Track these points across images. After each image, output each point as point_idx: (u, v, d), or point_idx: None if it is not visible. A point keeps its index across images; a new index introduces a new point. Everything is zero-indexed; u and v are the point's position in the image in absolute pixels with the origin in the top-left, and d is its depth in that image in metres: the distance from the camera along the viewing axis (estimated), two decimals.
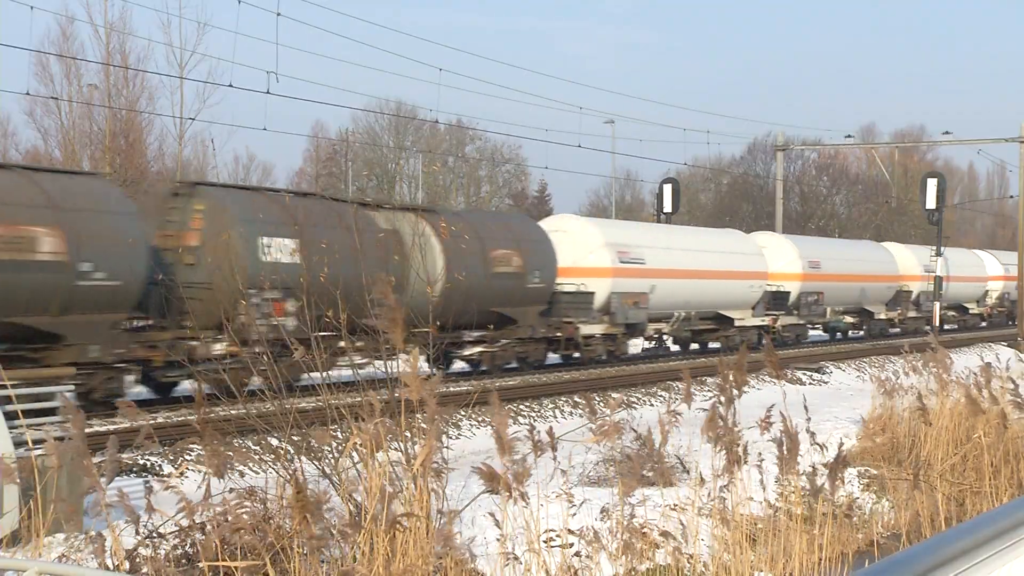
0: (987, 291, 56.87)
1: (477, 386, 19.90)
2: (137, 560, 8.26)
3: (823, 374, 31.05)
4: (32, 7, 28.32)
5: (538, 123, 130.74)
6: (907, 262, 49.72)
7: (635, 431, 11.74)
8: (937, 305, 47.92)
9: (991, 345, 42.37)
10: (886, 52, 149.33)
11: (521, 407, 21.83)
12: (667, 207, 43.69)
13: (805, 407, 11.42)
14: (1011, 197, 65.31)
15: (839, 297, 43.73)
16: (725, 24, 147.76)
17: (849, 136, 58.10)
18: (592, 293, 30.51)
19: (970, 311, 55.75)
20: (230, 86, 36.43)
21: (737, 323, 37.14)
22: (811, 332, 44.81)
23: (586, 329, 30.24)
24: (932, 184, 44.90)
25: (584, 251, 31.34)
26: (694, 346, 38.71)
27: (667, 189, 44.03)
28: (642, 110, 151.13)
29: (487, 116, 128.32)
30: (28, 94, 40.88)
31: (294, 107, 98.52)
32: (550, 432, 8.88)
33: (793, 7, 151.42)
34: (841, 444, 11.17)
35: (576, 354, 30.47)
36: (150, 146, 49.88)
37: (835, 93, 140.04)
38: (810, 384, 29.01)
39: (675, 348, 38.01)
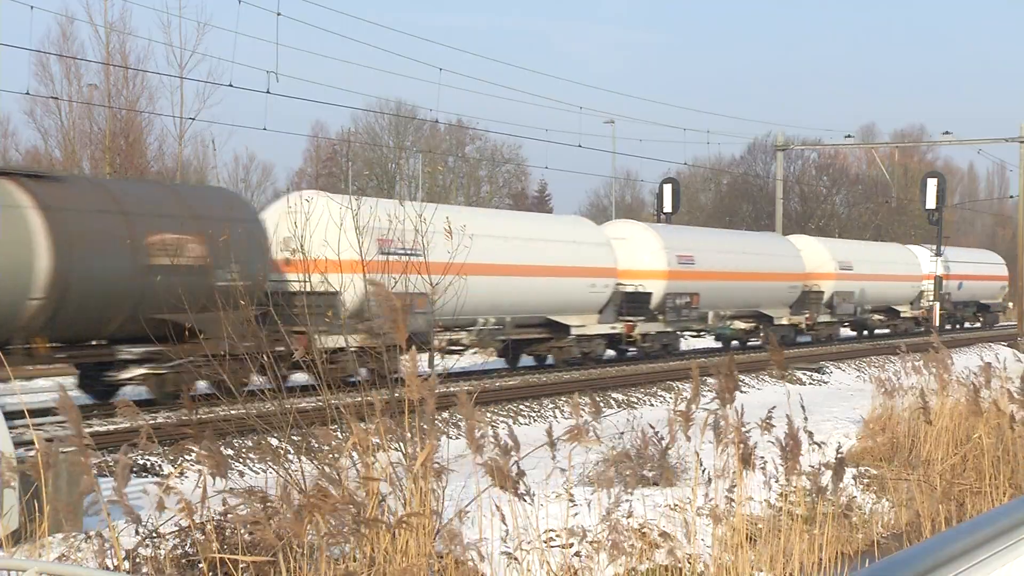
0: (923, 291, 50.30)
1: (477, 386, 19.90)
2: (137, 560, 8.26)
3: (823, 374, 31.07)
4: (32, 7, 28.33)
5: (538, 123, 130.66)
6: (817, 258, 42.56)
7: (643, 430, 11.73)
8: (937, 305, 48.11)
9: (991, 345, 42.40)
10: (886, 52, 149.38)
11: (521, 407, 21.84)
12: (667, 207, 43.70)
13: (803, 406, 11.43)
14: (1011, 197, 65.40)
15: (723, 299, 36.54)
16: (725, 24, 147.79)
17: (849, 136, 58.10)
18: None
19: (902, 314, 49.32)
20: (230, 86, 36.33)
21: (575, 331, 30.26)
22: (694, 341, 39.02)
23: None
24: (932, 184, 44.96)
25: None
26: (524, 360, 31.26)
27: (667, 189, 44.07)
28: (642, 110, 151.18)
29: (487, 116, 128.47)
30: (28, 94, 40.87)
31: (294, 107, 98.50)
32: (549, 432, 8.88)
33: (793, 7, 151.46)
34: (839, 446, 11.17)
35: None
36: (150, 146, 49.90)
37: (835, 93, 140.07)
38: (810, 384, 29.02)
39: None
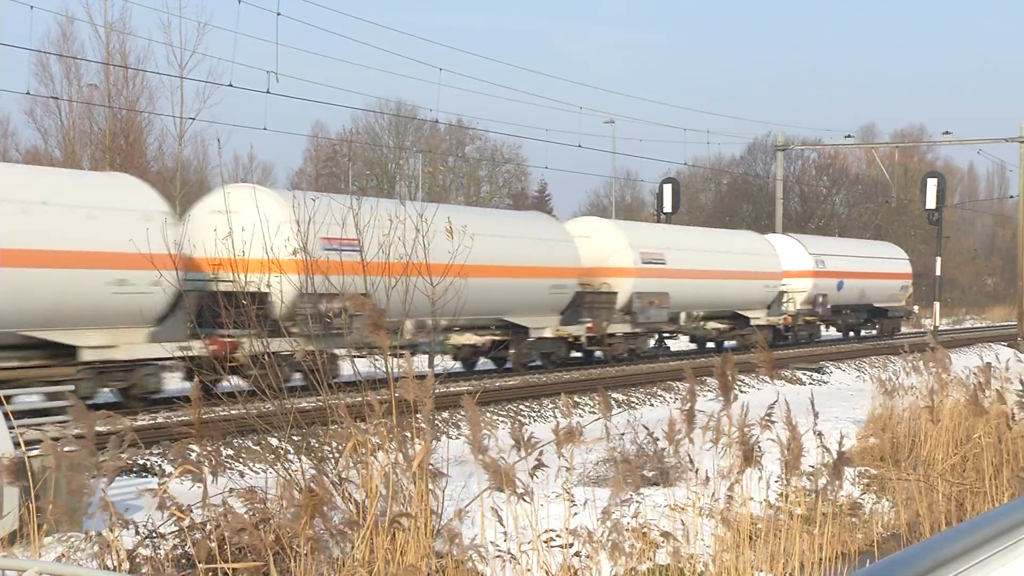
0: (786, 292, 39.76)
1: (477, 386, 19.90)
2: (137, 560, 8.26)
3: (823, 374, 31.08)
4: (32, 7, 28.35)
5: (538, 123, 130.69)
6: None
7: (646, 429, 11.73)
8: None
9: (991, 345, 42.42)
10: (886, 52, 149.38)
11: (521, 407, 21.84)
12: (667, 207, 43.70)
13: (812, 405, 11.43)
14: (1011, 197, 65.31)
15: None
16: (725, 24, 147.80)
17: (849, 136, 58.10)
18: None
19: (752, 322, 37.52)
20: (230, 86, 36.34)
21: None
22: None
23: None
24: (932, 184, 44.90)
25: None
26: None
27: (667, 189, 44.06)
28: (642, 110, 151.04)
29: (487, 116, 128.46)
30: (28, 94, 40.94)
31: (294, 107, 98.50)
32: (555, 430, 8.88)
33: (793, 7, 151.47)
34: (841, 443, 11.16)
35: None
36: (150, 146, 49.93)
37: (835, 93, 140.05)
38: (810, 384, 29.03)
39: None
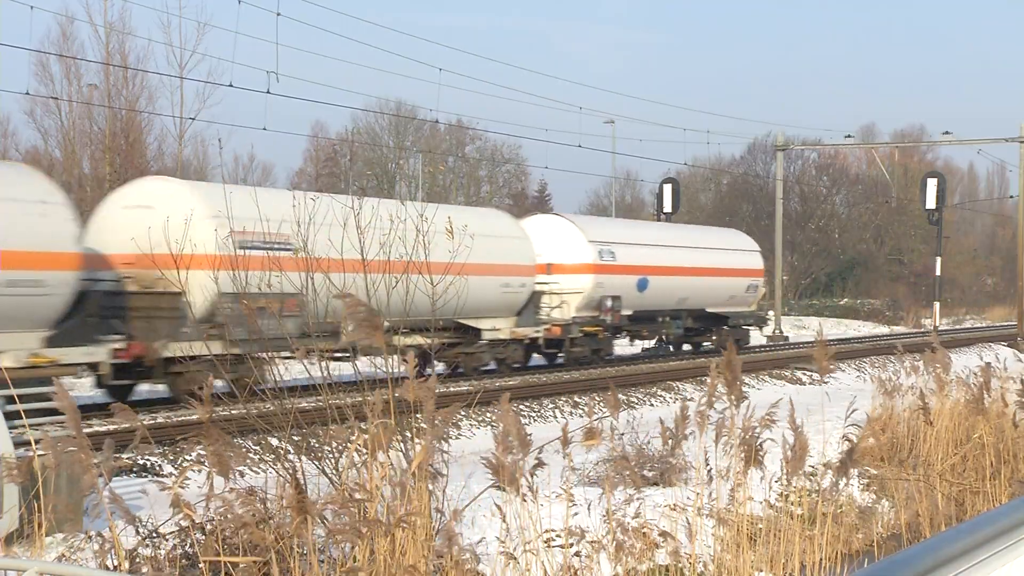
0: (545, 294, 29.35)
1: (477, 386, 19.89)
2: (137, 560, 8.26)
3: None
4: (32, 7, 28.37)
5: (538, 123, 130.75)
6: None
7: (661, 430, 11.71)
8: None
9: (991, 345, 42.41)
10: (886, 52, 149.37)
11: (521, 407, 21.84)
12: (667, 207, 43.72)
13: (817, 404, 11.41)
14: (1011, 197, 65.31)
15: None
16: (725, 24, 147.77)
17: (849, 136, 58.09)
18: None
19: (487, 334, 27.08)
20: (230, 86, 36.33)
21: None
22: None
23: None
24: (932, 184, 44.88)
25: None
26: None
27: (667, 189, 44.07)
28: (642, 110, 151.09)
29: (487, 116, 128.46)
30: (28, 94, 40.91)
31: (294, 107, 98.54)
32: (565, 429, 8.88)
33: (793, 7, 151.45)
34: (850, 442, 11.15)
35: None
36: (150, 146, 49.94)
37: (835, 93, 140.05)
38: (810, 384, 29.03)
39: None
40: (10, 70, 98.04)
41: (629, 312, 31.29)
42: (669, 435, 10.45)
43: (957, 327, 64.55)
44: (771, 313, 46.80)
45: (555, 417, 21.21)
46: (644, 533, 9.14)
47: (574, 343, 29.79)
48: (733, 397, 9.86)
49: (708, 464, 10.22)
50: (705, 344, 36.35)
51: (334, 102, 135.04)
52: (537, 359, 30.75)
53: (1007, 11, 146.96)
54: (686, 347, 36.90)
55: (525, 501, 8.48)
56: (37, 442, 8.56)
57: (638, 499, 9.69)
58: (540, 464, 8.54)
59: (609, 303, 30.15)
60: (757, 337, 42.46)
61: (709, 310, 35.41)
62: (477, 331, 26.59)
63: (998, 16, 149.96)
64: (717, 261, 35.55)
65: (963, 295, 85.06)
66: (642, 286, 31.57)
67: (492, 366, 28.11)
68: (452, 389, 21.11)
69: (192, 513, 7.85)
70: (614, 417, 9.56)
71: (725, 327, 35.85)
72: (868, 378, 28.24)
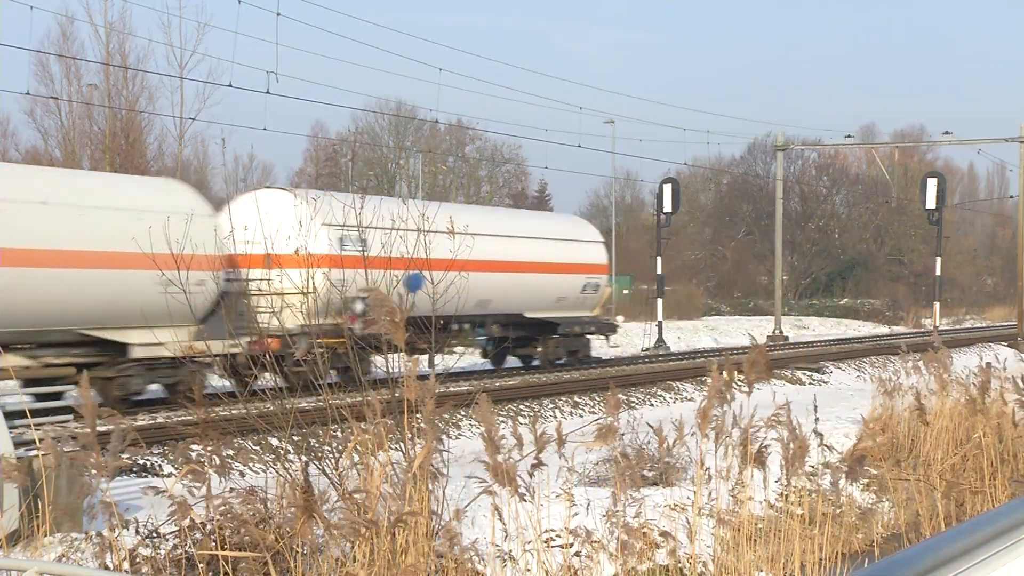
0: (228, 293, 21.58)
1: (477, 386, 19.87)
2: (137, 560, 8.26)
3: (823, 374, 31.07)
4: (32, 7, 28.35)
5: (538, 123, 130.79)
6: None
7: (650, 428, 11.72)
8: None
9: (991, 345, 42.39)
10: (886, 52, 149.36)
11: (521, 407, 21.84)
12: (667, 207, 43.68)
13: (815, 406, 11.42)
14: (1011, 197, 65.28)
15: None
16: (725, 24, 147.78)
17: (849, 136, 58.04)
18: None
19: (134, 352, 19.97)
20: (230, 86, 36.31)
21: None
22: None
23: None
24: (932, 184, 44.83)
25: None
26: None
27: (667, 189, 44.01)
28: (642, 110, 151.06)
29: (487, 116, 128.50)
30: (28, 94, 40.93)
31: (294, 107, 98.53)
32: (559, 430, 8.87)
33: (793, 7, 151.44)
34: (856, 443, 11.17)
35: None
36: (150, 146, 49.96)
37: (835, 93, 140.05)
38: (810, 384, 29.04)
39: None
40: (10, 70, 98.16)
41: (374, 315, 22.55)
42: (667, 439, 10.45)
43: (957, 327, 64.52)
44: (620, 318, 38.78)
45: (555, 417, 21.22)
46: (644, 533, 9.14)
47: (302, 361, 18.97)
48: (728, 396, 9.86)
49: (707, 464, 10.21)
50: (541, 359, 29.58)
51: (334, 102, 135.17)
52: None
53: (1007, 11, 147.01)
54: (515, 360, 29.84)
55: (525, 501, 8.48)
56: (30, 443, 8.56)
57: (641, 498, 9.68)
58: (538, 464, 8.54)
59: (359, 307, 20.98)
60: (614, 348, 35.12)
61: (530, 315, 28.05)
62: (122, 346, 19.73)
63: (998, 16, 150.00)
64: (540, 254, 28.15)
65: (963, 295, 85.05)
66: (414, 284, 22.71)
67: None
68: (452, 389, 21.11)
69: (188, 513, 7.85)
70: (611, 417, 9.55)
71: (555, 336, 29.12)
72: (868, 378, 28.24)
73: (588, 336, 30.91)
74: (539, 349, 29.19)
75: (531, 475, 8.53)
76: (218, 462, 8.21)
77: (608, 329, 32.26)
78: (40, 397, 16.35)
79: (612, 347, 34.55)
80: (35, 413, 10.04)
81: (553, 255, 28.64)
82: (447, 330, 16.75)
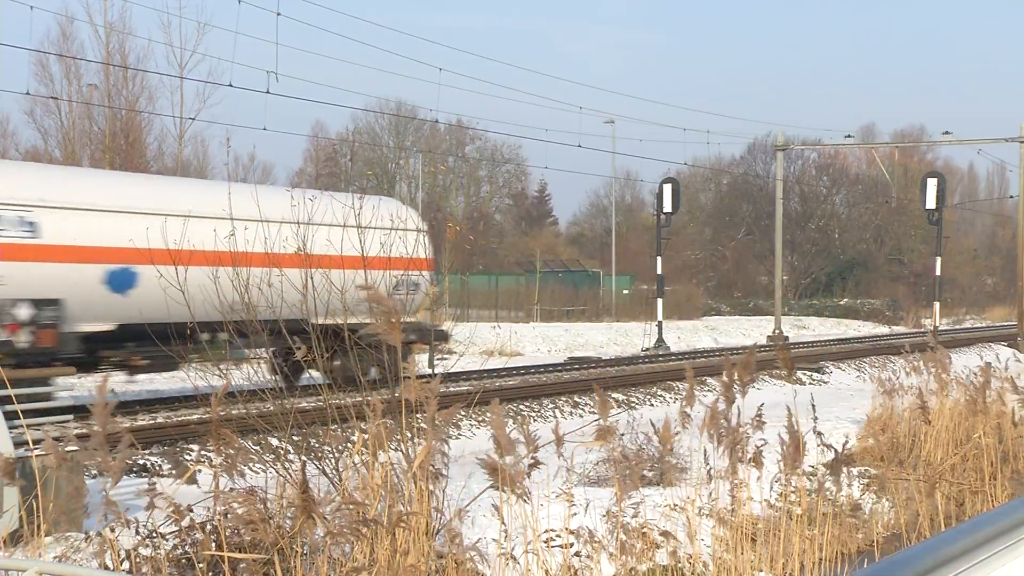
0: None
1: (477, 386, 19.87)
2: (137, 560, 8.25)
3: (823, 374, 31.07)
4: (32, 7, 28.37)
5: (538, 123, 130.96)
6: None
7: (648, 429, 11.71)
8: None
9: (991, 345, 42.40)
10: (886, 52, 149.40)
11: (521, 407, 21.83)
12: (667, 207, 43.67)
13: (813, 406, 11.43)
14: (1011, 197, 65.26)
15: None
16: (725, 24, 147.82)
17: (849, 136, 58.04)
18: None
19: None
20: (230, 86, 36.28)
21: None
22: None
23: None
24: (932, 184, 44.81)
25: None
26: None
27: (667, 189, 44.00)
28: (642, 110, 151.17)
29: (487, 116, 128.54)
30: (28, 94, 40.92)
31: (294, 107, 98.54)
32: (556, 430, 8.87)
33: (793, 7, 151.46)
34: (846, 442, 11.17)
35: None
36: (150, 146, 49.98)
37: (835, 93, 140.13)
38: (810, 384, 29.03)
39: None
40: (10, 70, 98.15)
41: (108, 327, 18.55)
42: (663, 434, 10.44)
43: (957, 327, 64.49)
44: (449, 324, 30.66)
45: (555, 417, 21.21)
46: (644, 533, 9.14)
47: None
48: (728, 397, 9.86)
49: (708, 464, 10.21)
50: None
51: (334, 102, 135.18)
52: None
53: (1007, 11, 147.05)
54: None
55: (525, 501, 8.48)
56: (38, 442, 8.55)
57: (642, 498, 9.68)
58: (536, 464, 8.53)
59: (24, 314, 16.69)
60: (443, 360, 26.05)
61: (318, 321, 22.14)
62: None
63: (998, 16, 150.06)
64: (325, 245, 19.01)
65: (963, 295, 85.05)
66: (122, 283, 18.45)
67: None
68: (452, 389, 21.10)
69: (185, 514, 7.84)
70: (604, 419, 9.56)
71: (359, 347, 22.64)
72: (868, 378, 28.24)
73: (407, 343, 23.99)
74: (337, 363, 21.82)
75: (528, 475, 8.53)
76: (227, 462, 8.20)
77: (439, 336, 23.55)
78: (30, 398, 16.21)
79: (441, 358, 26.41)
80: (28, 414, 10.04)
81: (347, 246, 21.25)
82: (192, 340, 13.51)
